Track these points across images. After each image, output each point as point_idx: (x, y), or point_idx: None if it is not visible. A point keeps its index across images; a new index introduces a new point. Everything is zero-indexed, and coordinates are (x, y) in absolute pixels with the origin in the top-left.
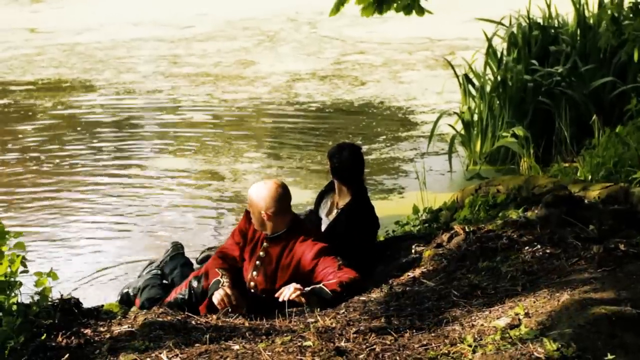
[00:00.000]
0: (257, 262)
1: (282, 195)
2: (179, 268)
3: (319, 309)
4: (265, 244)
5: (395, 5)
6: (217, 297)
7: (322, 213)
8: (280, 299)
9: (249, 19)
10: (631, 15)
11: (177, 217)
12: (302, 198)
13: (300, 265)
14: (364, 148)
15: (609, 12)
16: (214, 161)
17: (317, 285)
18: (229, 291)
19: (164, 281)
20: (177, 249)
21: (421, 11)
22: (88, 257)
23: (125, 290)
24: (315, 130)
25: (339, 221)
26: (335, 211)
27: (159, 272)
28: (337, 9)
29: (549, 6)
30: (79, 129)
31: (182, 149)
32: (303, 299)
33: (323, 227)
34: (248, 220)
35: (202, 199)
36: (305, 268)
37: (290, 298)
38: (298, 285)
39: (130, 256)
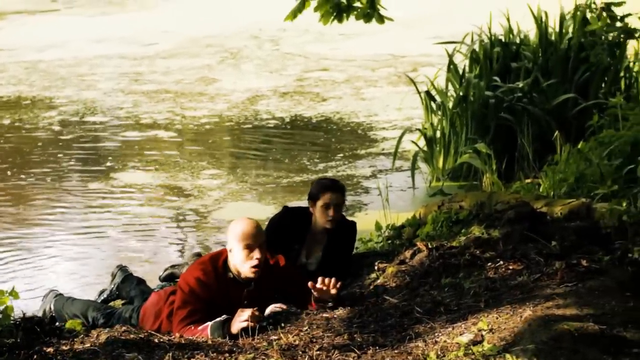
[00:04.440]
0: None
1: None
2: (136, 287)
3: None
4: (245, 293)
5: (355, 13)
6: (244, 317)
7: (302, 259)
8: (331, 290)
9: (213, 36)
10: (604, 15)
11: (140, 234)
12: (263, 214)
13: (281, 290)
14: (322, 165)
15: (579, 13)
16: (175, 177)
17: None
18: (250, 311)
19: (120, 300)
20: (125, 272)
21: (381, 19)
22: (49, 272)
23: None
24: (273, 147)
25: (333, 245)
26: (320, 247)
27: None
28: (294, 15)
29: (509, 22)
30: (39, 144)
31: (143, 165)
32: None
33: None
34: (203, 286)
35: (165, 215)
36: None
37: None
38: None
39: (92, 271)
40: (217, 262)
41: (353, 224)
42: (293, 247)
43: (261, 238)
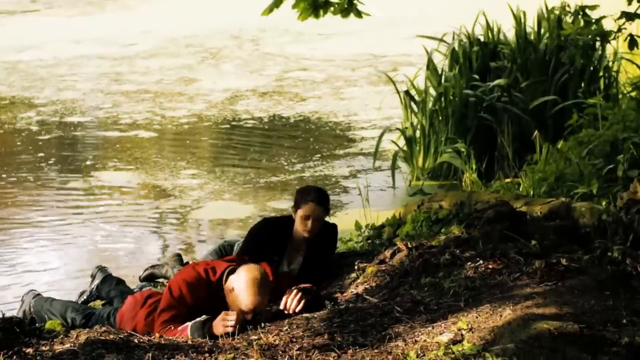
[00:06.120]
0: None
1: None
2: (116, 287)
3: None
4: None
5: (332, 8)
6: (231, 322)
7: (285, 267)
8: (291, 311)
9: (193, 36)
10: (579, 17)
11: (119, 233)
12: (242, 213)
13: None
14: (300, 165)
15: (552, 16)
16: (155, 177)
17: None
18: (236, 314)
19: (100, 301)
20: (105, 272)
21: (359, 14)
22: (29, 273)
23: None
24: (251, 146)
25: (314, 249)
26: (301, 252)
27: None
28: (270, 10)
29: (487, 22)
30: (18, 144)
31: (123, 164)
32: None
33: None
34: (193, 293)
35: (145, 215)
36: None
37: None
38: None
39: (71, 271)
40: (214, 276)
41: (334, 226)
42: (273, 259)
43: (264, 300)
